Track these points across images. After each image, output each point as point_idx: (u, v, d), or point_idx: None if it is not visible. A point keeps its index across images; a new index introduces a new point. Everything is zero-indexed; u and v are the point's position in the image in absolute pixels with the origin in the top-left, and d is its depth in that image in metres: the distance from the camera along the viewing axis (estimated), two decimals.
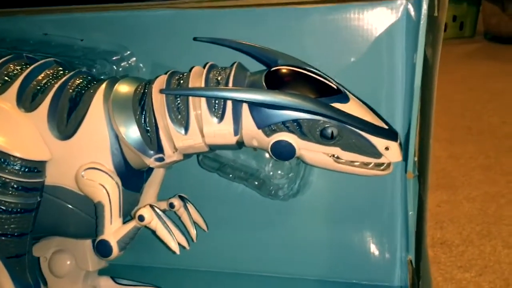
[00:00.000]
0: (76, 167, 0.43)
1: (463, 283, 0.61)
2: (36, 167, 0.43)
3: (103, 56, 0.57)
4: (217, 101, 0.42)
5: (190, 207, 0.52)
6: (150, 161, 0.45)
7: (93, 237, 0.44)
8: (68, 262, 0.52)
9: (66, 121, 0.44)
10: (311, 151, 0.42)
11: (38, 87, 0.44)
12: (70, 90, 0.45)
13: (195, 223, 0.52)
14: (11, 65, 0.46)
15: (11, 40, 0.59)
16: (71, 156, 0.44)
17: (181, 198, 0.52)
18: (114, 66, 0.57)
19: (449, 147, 1.05)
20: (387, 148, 0.42)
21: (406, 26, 0.49)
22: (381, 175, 0.43)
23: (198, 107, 0.42)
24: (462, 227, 0.73)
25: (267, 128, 0.42)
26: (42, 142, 0.43)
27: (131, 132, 0.43)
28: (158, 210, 0.42)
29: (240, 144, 0.44)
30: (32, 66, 0.45)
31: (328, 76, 0.44)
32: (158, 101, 0.43)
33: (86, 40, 0.58)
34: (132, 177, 0.46)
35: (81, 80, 0.46)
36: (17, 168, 0.42)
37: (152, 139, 0.44)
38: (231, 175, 0.54)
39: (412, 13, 0.48)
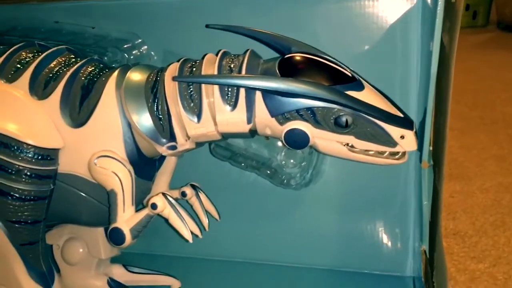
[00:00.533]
0: (89, 155, 0.43)
1: (477, 273, 0.60)
2: (49, 155, 0.43)
3: (115, 44, 0.57)
4: (230, 89, 0.42)
5: (202, 196, 0.52)
6: (163, 149, 0.44)
7: (106, 225, 0.44)
8: (81, 250, 0.52)
9: (78, 109, 0.44)
10: (325, 140, 0.42)
11: (51, 75, 0.44)
12: (83, 78, 0.44)
13: (207, 212, 0.52)
14: (23, 53, 0.46)
15: (22, 28, 0.59)
16: (83, 144, 0.43)
17: (193, 186, 0.52)
18: (126, 54, 0.57)
19: (462, 138, 1.04)
20: (402, 137, 0.41)
21: (422, 12, 0.48)
22: (396, 164, 0.43)
23: (211, 95, 0.42)
24: (476, 218, 0.73)
25: (281, 116, 0.41)
26: (54, 129, 0.43)
27: (144, 120, 0.43)
28: (170, 199, 0.42)
29: (253, 133, 0.44)
30: (44, 54, 0.45)
31: (343, 64, 0.43)
32: (171, 89, 0.43)
33: (97, 28, 0.57)
34: (144, 166, 0.46)
35: (93, 68, 0.46)
36: (30, 155, 0.42)
37: (164, 127, 0.43)
38: (243, 164, 0.54)
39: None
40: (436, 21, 0.44)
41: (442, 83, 0.45)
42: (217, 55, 0.44)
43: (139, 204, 0.47)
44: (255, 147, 0.55)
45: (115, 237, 0.42)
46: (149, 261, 0.61)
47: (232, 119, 0.42)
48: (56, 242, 0.53)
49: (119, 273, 0.55)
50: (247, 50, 0.44)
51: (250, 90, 0.41)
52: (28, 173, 0.42)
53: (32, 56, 0.45)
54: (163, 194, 0.42)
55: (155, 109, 0.43)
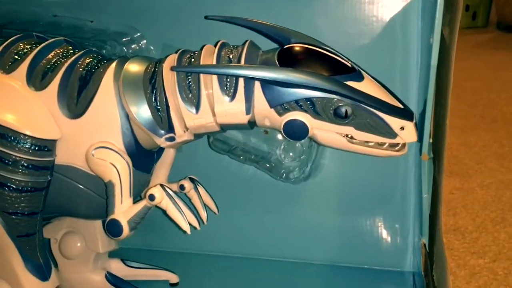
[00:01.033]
0: (86, 146, 0.43)
1: (477, 269, 0.60)
2: (46, 146, 0.42)
3: (113, 38, 0.56)
4: (228, 80, 0.41)
5: (200, 189, 0.51)
6: (161, 141, 0.44)
7: (104, 218, 0.44)
8: (79, 244, 0.52)
9: (76, 100, 0.43)
10: (324, 131, 0.42)
11: (48, 66, 0.44)
12: (80, 69, 0.44)
13: (205, 206, 0.51)
14: (21, 44, 0.45)
15: (21, 21, 0.59)
16: (81, 135, 0.43)
17: (192, 180, 0.51)
18: (124, 48, 0.57)
19: (462, 135, 1.04)
20: (402, 128, 0.41)
21: (422, 5, 0.48)
22: (395, 155, 0.43)
23: (210, 86, 0.42)
24: (476, 214, 0.72)
25: (280, 107, 0.41)
26: (52, 120, 0.43)
27: (142, 111, 0.43)
28: (168, 190, 0.42)
29: (252, 124, 0.44)
30: (42, 45, 0.45)
31: (342, 55, 0.43)
32: (169, 80, 0.43)
33: (96, 22, 0.57)
34: (142, 158, 0.46)
35: (91, 59, 0.45)
36: (27, 146, 0.41)
37: (162, 118, 0.43)
38: (241, 157, 0.54)
39: None
40: (436, 14, 0.44)
41: (442, 76, 0.45)
42: (215, 46, 0.44)
43: (137, 197, 0.47)
44: (254, 141, 0.55)
45: (112, 228, 0.42)
46: (147, 256, 0.61)
47: (231, 110, 0.42)
48: (54, 236, 0.53)
49: (117, 267, 0.55)
50: (246, 41, 0.44)
51: (249, 81, 0.41)
52: (25, 164, 0.41)
53: (29, 47, 0.45)
54: (161, 185, 0.42)
55: (153, 100, 0.43)
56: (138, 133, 0.44)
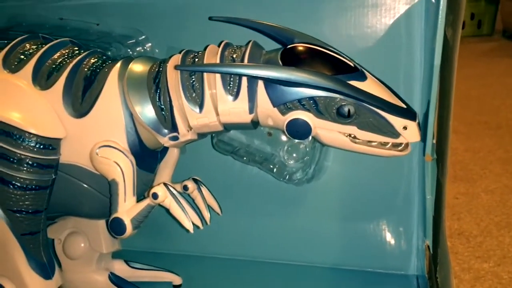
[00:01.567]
0: (91, 145, 0.43)
1: (481, 273, 0.60)
2: (51, 144, 0.43)
3: (118, 40, 0.57)
4: (232, 79, 0.42)
5: (204, 190, 0.51)
6: (165, 140, 0.44)
7: (107, 217, 0.44)
8: (82, 245, 0.52)
9: (81, 99, 0.44)
10: (327, 130, 0.42)
11: (54, 66, 0.44)
12: (85, 69, 0.45)
13: (209, 206, 0.51)
14: (27, 44, 0.46)
15: (27, 24, 0.59)
16: (85, 134, 0.43)
17: (195, 181, 0.51)
18: (129, 50, 0.57)
19: (467, 141, 1.04)
20: (405, 128, 0.41)
21: (426, 6, 0.48)
22: (399, 155, 0.42)
23: (213, 85, 0.42)
24: (480, 219, 0.72)
25: (283, 106, 0.41)
26: (57, 119, 0.43)
27: (146, 111, 0.43)
28: (172, 189, 0.42)
29: (255, 124, 0.44)
30: (48, 45, 0.45)
31: (345, 55, 0.43)
32: (173, 79, 0.43)
33: (101, 25, 0.58)
34: (146, 157, 0.46)
35: (96, 59, 0.46)
36: (32, 144, 0.42)
37: (166, 118, 0.43)
38: (245, 158, 0.54)
39: None
40: (439, 15, 0.44)
41: (445, 77, 0.45)
42: (219, 46, 0.44)
43: (141, 196, 0.47)
44: (258, 143, 0.55)
45: (116, 227, 0.42)
46: (151, 258, 0.61)
47: (234, 109, 0.42)
48: (58, 236, 0.53)
49: (121, 268, 0.55)
50: (250, 41, 0.44)
51: (252, 80, 0.41)
52: (30, 162, 0.42)
53: (35, 48, 0.46)
54: (165, 184, 0.42)
55: (157, 100, 0.43)
56: (142, 133, 0.44)
